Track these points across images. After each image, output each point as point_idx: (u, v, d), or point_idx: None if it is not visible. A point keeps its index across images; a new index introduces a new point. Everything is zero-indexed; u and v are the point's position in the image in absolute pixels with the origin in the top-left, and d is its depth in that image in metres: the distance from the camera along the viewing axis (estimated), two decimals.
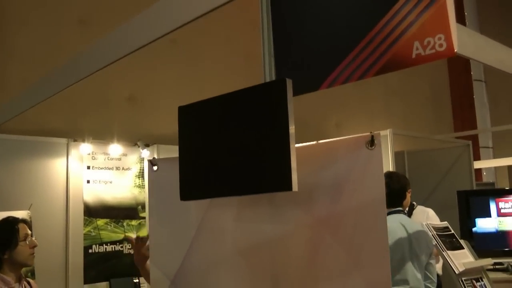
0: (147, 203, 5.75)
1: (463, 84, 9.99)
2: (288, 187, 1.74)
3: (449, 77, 10.17)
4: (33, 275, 4.63)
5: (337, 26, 1.86)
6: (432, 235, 3.84)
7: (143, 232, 5.99)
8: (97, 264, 5.78)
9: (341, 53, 1.84)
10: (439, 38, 1.59)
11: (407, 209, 4.41)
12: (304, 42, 1.98)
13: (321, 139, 4.99)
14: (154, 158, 2.35)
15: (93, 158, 6.05)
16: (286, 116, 1.76)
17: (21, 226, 3.06)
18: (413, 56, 1.65)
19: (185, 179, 2.04)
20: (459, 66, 9.87)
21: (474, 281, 3.68)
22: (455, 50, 1.57)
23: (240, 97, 1.92)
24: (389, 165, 5.75)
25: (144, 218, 6.21)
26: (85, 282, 5.66)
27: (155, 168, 2.38)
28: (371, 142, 1.91)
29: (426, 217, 5.27)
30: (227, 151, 1.92)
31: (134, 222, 6.20)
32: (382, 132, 4.59)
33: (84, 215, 5.87)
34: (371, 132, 1.91)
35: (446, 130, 9.63)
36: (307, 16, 1.95)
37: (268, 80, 2.13)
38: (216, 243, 2.19)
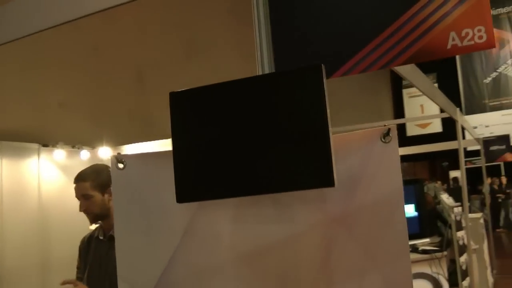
0: None
1: None
2: (330, 183, 1.59)
3: None
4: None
5: (360, 8, 1.77)
6: None
7: None
8: None
9: (363, 38, 1.75)
10: (479, 30, 1.60)
11: None
12: (315, 23, 1.84)
13: (168, 137, 4.84)
14: (119, 154, 1.98)
15: None
16: (324, 105, 1.61)
17: None
18: (449, 46, 1.64)
19: (183, 177, 1.74)
20: None
21: None
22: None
23: (260, 83, 1.70)
24: None
25: None
26: None
27: (121, 165, 1.99)
28: (387, 135, 1.86)
29: None
30: (244, 143, 1.68)
31: None
32: None
33: None
34: (385, 125, 1.86)
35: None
36: None
37: (266, 66, 1.94)
38: (209, 250, 1.91)
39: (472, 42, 1.61)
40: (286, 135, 1.63)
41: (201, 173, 1.73)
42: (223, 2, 6.25)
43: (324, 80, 1.61)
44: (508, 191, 18.01)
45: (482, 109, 17.71)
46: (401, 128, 11.01)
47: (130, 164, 2.00)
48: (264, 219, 1.88)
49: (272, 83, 1.69)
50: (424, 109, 19.54)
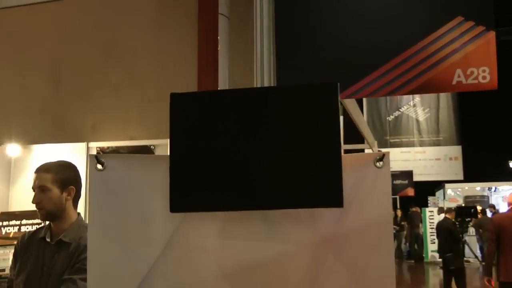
0: None
1: None
2: (338, 203, 1.57)
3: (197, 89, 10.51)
4: None
5: (371, 37, 1.79)
6: None
7: None
8: None
9: (372, 64, 1.77)
10: (483, 71, 1.68)
11: None
12: (325, 43, 1.84)
13: (78, 140, 4.60)
14: (99, 153, 1.81)
15: None
16: (338, 124, 1.60)
17: None
18: (454, 82, 1.71)
19: (180, 185, 1.63)
20: (208, 85, 10.32)
21: None
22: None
23: (272, 95, 1.65)
24: None
25: None
26: None
27: (100, 166, 1.82)
28: (380, 160, 1.88)
29: None
30: (251, 155, 1.61)
31: None
32: (164, 141, 4.43)
33: None
34: (379, 150, 1.88)
35: None
36: (332, 19, 1.83)
37: (265, 79, 1.89)
38: (193, 265, 1.79)
39: (476, 81, 1.69)
40: (296, 150, 1.58)
41: (201, 182, 1.62)
42: (147, 7, 6.16)
43: (339, 98, 1.60)
44: (402, 223, 19.14)
45: (384, 145, 18.77)
46: None
47: (110, 166, 1.84)
48: (252, 236, 1.81)
49: (285, 96, 1.64)
50: None
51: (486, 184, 13.35)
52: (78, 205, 2.44)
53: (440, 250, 7.85)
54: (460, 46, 1.70)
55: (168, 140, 4.13)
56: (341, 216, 1.83)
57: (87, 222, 2.19)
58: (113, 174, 1.84)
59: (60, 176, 2.35)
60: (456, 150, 14.34)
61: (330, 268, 1.80)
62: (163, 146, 4.13)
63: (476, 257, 11.68)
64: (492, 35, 1.68)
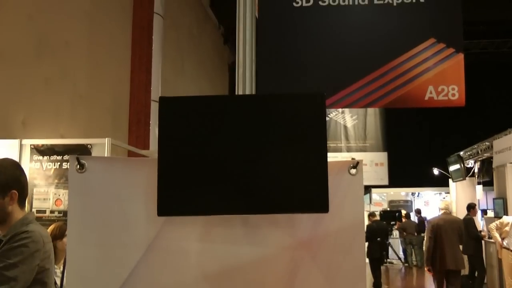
0: None
1: (142, 102, 10.24)
2: (324, 208, 1.66)
3: (130, 93, 10.28)
4: None
5: (351, 51, 1.89)
6: None
7: None
8: None
9: (350, 77, 1.87)
10: (453, 89, 1.82)
11: None
12: (306, 55, 1.92)
13: (7, 137, 4.49)
14: (79, 154, 1.77)
15: None
16: (324, 132, 1.68)
17: None
18: (426, 98, 1.84)
19: (168, 189, 1.64)
20: (141, 84, 10.12)
21: None
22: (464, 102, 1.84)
23: (261, 102, 1.70)
24: None
25: None
26: None
27: (80, 168, 1.77)
28: (354, 167, 1.98)
29: None
30: (239, 160, 1.65)
31: None
32: (100, 140, 4.27)
33: None
34: (353, 159, 1.97)
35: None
36: (309, 36, 1.91)
37: (246, 88, 1.94)
38: (174, 268, 1.80)
39: (446, 98, 1.83)
40: (284, 157, 1.65)
41: (189, 186, 1.64)
42: (81, 5, 6.04)
43: (325, 108, 1.68)
44: None
45: None
46: None
47: (91, 168, 1.80)
48: (233, 239, 1.85)
49: (274, 104, 1.70)
50: None
51: (410, 189, 14.04)
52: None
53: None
54: (433, 65, 1.84)
55: (105, 139, 4.04)
56: (317, 221, 1.91)
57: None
58: (94, 176, 1.81)
59: None
60: (382, 157, 14.96)
61: (307, 270, 1.89)
62: (100, 146, 3.99)
63: (399, 258, 12.25)
64: (461, 57, 1.83)
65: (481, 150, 9.01)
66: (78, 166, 1.79)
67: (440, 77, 1.83)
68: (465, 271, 8.36)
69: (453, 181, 9.80)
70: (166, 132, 1.67)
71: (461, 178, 9.35)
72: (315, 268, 1.91)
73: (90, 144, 3.98)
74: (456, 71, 1.84)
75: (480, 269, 7.95)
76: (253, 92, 1.92)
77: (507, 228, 6.77)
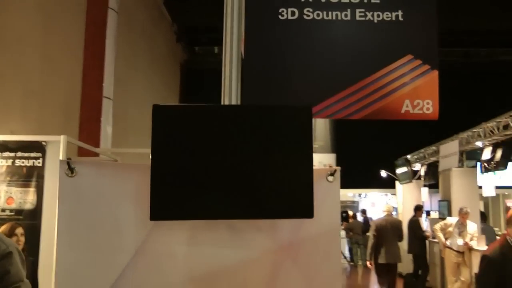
0: None
1: (94, 99, 10.06)
2: (310, 214, 1.76)
3: (82, 89, 10.13)
4: None
5: (332, 65, 1.98)
6: None
7: None
8: None
9: (331, 89, 1.96)
10: (428, 103, 1.95)
11: None
12: (289, 66, 2.00)
13: None
14: (70, 159, 1.77)
15: None
16: (310, 142, 1.77)
17: None
18: (402, 111, 1.95)
19: (161, 194, 1.68)
20: (93, 80, 9.95)
21: None
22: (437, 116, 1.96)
23: (251, 113, 1.77)
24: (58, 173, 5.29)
25: None
26: None
27: (71, 172, 1.76)
28: (332, 175, 2.08)
29: None
30: (229, 168, 1.71)
31: None
32: (55, 138, 4.16)
33: None
34: (330, 166, 2.07)
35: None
36: (295, 49, 1.98)
37: (232, 98, 2.00)
38: (162, 270, 1.83)
39: (421, 112, 1.95)
40: (271, 165, 1.73)
41: (181, 192, 1.69)
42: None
43: (311, 119, 1.77)
44: None
45: None
46: None
47: (81, 172, 1.81)
48: (219, 243, 1.91)
49: (264, 114, 1.77)
50: None
51: (357, 191, 14.43)
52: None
53: None
54: (409, 81, 1.96)
55: (61, 137, 3.96)
56: (297, 226, 2.01)
57: None
58: (84, 180, 1.83)
59: None
60: (330, 158, 15.32)
61: (287, 273, 1.98)
62: (54, 143, 3.91)
63: (345, 257, 12.59)
64: (435, 73, 1.96)
65: (427, 154, 9.41)
66: (67, 170, 1.80)
67: (416, 92, 1.95)
68: (410, 270, 8.72)
69: (400, 183, 10.16)
70: (158, 138, 1.71)
71: (408, 181, 9.72)
72: (295, 270, 2.01)
73: (45, 141, 3.88)
74: (431, 86, 1.96)
75: (424, 268, 8.31)
76: (238, 102, 1.98)
77: (450, 229, 7.14)
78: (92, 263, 1.76)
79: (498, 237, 8.66)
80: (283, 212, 1.70)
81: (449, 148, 7.87)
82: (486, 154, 7.28)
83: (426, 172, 9.67)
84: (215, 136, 1.72)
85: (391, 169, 11.21)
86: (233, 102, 1.94)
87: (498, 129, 6.81)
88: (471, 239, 6.89)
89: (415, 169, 10.01)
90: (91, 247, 1.76)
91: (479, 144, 7.50)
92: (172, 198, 1.67)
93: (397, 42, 1.96)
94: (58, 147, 3.98)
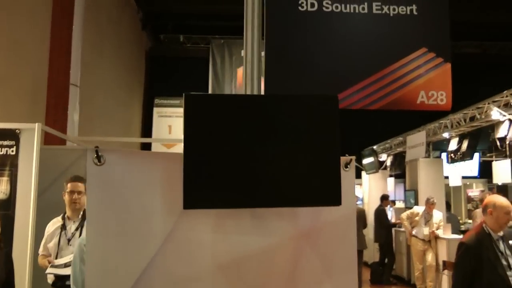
0: None
1: (60, 85, 9.81)
2: (338, 201, 1.80)
3: (48, 75, 9.86)
4: None
5: (351, 55, 2.03)
6: None
7: None
8: None
9: (351, 79, 2.01)
10: (441, 94, 2.02)
11: None
12: (309, 62, 2.03)
13: None
14: (97, 147, 1.75)
15: None
16: (338, 132, 1.81)
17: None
18: (418, 101, 2.02)
19: (194, 183, 1.69)
20: (60, 66, 9.67)
21: None
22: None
23: (282, 102, 1.80)
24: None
25: None
26: None
27: (99, 160, 1.73)
28: (348, 164, 2.14)
29: None
30: (260, 156, 1.74)
31: None
32: (29, 125, 4.03)
33: None
34: (346, 155, 2.13)
35: None
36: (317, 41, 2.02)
37: (254, 88, 2.02)
38: (189, 258, 1.83)
39: (435, 103, 2.03)
40: (301, 154, 1.76)
41: (213, 181, 1.71)
42: None
43: (338, 108, 1.82)
44: None
45: None
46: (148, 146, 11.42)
47: (110, 160, 1.79)
48: (242, 230, 1.93)
49: (291, 103, 1.80)
50: (171, 130, 20.21)
51: None
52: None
53: None
54: (424, 72, 2.03)
55: (35, 124, 3.89)
56: (317, 213, 2.06)
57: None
58: (113, 168, 1.82)
59: None
60: None
61: (307, 260, 2.03)
62: (29, 131, 3.80)
63: None
64: (448, 66, 2.04)
65: (394, 145, 9.65)
66: (96, 159, 1.78)
67: (431, 83, 2.03)
68: (376, 258, 8.97)
69: (366, 173, 10.39)
70: (190, 128, 1.72)
71: (374, 171, 9.94)
72: (314, 256, 2.06)
73: (19, 129, 3.77)
74: (444, 78, 2.04)
75: (390, 257, 8.56)
76: (261, 91, 2.00)
77: (417, 218, 7.37)
78: (122, 251, 1.75)
79: (461, 226, 9.03)
80: (312, 200, 1.74)
81: (416, 139, 8.09)
82: (453, 145, 7.54)
83: (392, 162, 9.93)
84: (244, 126, 1.74)
85: (358, 159, 11.45)
86: (255, 92, 1.96)
87: (465, 120, 7.06)
88: (438, 228, 7.15)
89: (381, 159, 10.25)
90: (120, 234, 1.76)
91: (445, 135, 7.76)
92: (204, 187, 1.68)
93: (412, 35, 2.03)
94: (32, 135, 3.84)
